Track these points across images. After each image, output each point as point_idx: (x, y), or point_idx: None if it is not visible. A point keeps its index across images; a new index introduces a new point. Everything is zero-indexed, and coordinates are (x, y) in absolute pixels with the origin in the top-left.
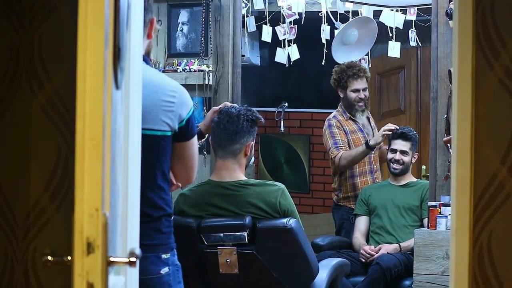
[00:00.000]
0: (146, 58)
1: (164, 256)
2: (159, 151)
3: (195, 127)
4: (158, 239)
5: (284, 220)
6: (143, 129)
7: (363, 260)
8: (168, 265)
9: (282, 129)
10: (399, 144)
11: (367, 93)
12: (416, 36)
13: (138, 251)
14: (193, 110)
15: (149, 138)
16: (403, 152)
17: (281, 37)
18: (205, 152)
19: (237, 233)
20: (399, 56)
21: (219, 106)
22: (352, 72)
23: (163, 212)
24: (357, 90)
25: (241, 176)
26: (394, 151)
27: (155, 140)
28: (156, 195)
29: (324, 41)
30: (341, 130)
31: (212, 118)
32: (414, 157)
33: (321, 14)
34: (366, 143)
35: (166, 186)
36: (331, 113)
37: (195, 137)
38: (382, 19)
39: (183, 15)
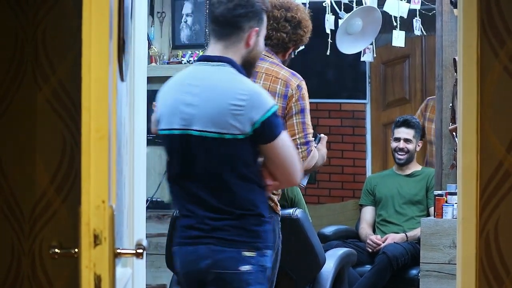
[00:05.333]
0: (237, 65)
1: (246, 253)
2: (238, 153)
3: (278, 128)
4: (240, 236)
5: (291, 211)
6: (210, 132)
7: (370, 250)
8: (251, 264)
9: None
10: (403, 132)
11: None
12: (420, 25)
13: (145, 242)
14: (273, 112)
15: (220, 141)
16: (407, 140)
17: None
18: None
19: None
20: (403, 45)
21: None
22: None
23: (248, 212)
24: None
25: None
26: (397, 139)
27: (230, 143)
28: (237, 196)
29: (328, 31)
30: None
31: None
32: (418, 145)
33: (325, 4)
34: None
35: (254, 186)
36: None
37: (281, 138)
38: (386, 8)
39: (187, 7)
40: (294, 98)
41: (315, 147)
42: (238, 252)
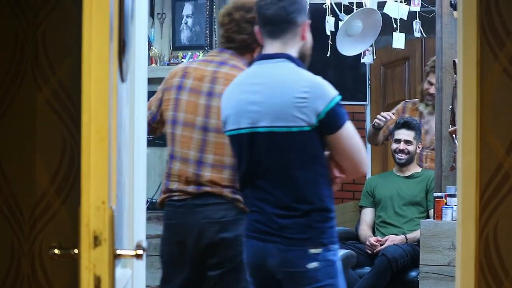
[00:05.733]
0: (295, 59)
1: (312, 251)
2: (306, 147)
3: (343, 118)
4: (306, 234)
5: None
6: (277, 126)
7: (369, 252)
8: (318, 261)
9: None
10: (403, 134)
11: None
12: (420, 27)
13: (144, 243)
14: (336, 102)
15: (289, 135)
16: (407, 142)
17: None
18: None
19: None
20: (403, 47)
21: None
22: None
23: (313, 206)
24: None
25: None
26: (398, 141)
27: (297, 137)
28: (307, 190)
29: (328, 32)
30: None
31: None
32: (418, 147)
33: (325, 5)
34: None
35: (323, 180)
36: None
37: (346, 128)
38: (386, 10)
39: (188, 8)
40: None
41: None
42: (304, 250)
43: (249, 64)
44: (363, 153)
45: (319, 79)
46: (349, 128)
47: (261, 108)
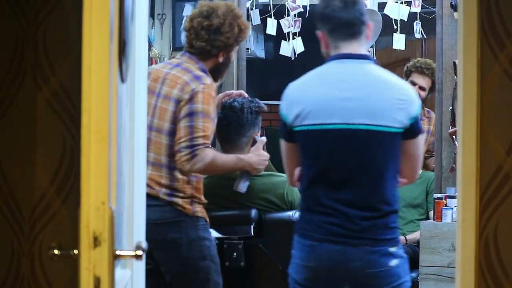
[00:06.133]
0: (371, 58)
1: (392, 249)
2: (392, 148)
3: (421, 125)
4: (386, 234)
5: (290, 213)
6: (376, 125)
7: None
8: (397, 258)
9: None
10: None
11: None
12: (421, 28)
13: (144, 244)
14: (420, 107)
15: (384, 134)
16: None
17: (285, 30)
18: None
19: (243, 226)
20: (404, 48)
21: (234, 92)
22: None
23: (392, 208)
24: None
25: None
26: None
27: (389, 137)
28: (387, 191)
29: None
30: None
31: (222, 99)
32: None
33: None
34: None
35: (396, 182)
36: None
37: (421, 136)
38: (386, 11)
39: (188, 9)
40: (184, 102)
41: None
42: (386, 249)
43: (214, 68)
44: (421, 164)
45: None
46: (422, 137)
47: (356, 105)
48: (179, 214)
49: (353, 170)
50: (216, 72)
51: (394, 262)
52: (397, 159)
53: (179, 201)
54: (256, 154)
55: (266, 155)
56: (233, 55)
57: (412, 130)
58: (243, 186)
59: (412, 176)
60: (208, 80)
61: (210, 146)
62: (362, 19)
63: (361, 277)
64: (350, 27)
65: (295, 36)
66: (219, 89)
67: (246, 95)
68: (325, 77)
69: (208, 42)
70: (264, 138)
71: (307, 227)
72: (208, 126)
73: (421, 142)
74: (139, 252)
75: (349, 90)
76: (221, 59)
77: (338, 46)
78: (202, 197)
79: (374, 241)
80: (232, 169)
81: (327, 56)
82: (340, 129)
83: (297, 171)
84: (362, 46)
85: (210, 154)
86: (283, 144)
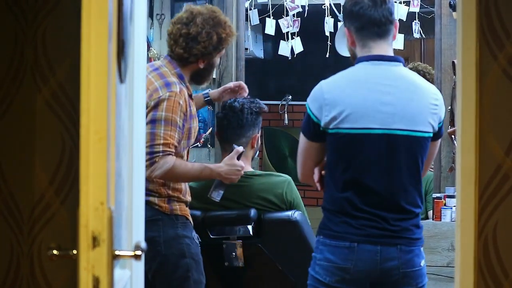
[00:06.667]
0: (401, 59)
1: (421, 249)
2: (425, 152)
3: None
4: (418, 234)
5: (289, 213)
6: (414, 130)
7: None
8: (424, 258)
9: (286, 122)
10: None
11: None
12: (419, 28)
13: (143, 244)
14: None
15: (420, 139)
16: None
17: (284, 30)
18: (209, 146)
19: (242, 226)
20: (402, 48)
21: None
22: None
23: (420, 209)
24: None
25: (248, 167)
26: None
27: (424, 142)
28: (418, 193)
29: (327, 33)
30: None
31: (225, 90)
32: None
33: (325, 6)
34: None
35: (422, 184)
36: None
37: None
38: None
39: None
40: (149, 108)
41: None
42: (419, 249)
43: (196, 73)
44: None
45: None
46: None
47: (395, 110)
48: (156, 212)
49: (389, 175)
50: (198, 76)
51: (423, 262)
52: (424, 162)
53: (155, 200)
54: (228, 164)
55: (239, 165)
56: (217, 61)
57: (439, 133)
58: (216, 195)
59: (423, 174)
60: (177, 88)
61: (172, 153)
62: (391, 19)
63: (395, 276)
64: (379, 26)
65: (293, 36)
66: None
67: (245, 86)
68: (362, 80)
69: (185, 49)
70: (241, 148)
71: (341, 230)
72: (170, 134)
73: (437, 146)
74: (138, 252)
75: (387, 94)
76: (201, 65)
77: (367, 45)
78: (183, 196)
79: (410, 240)
80: (197, 178)
81: (352, 53)
82: (379, 134)
83: (316, 171)
84: (391, 46)
85: (170, 162)
86: (304, 141)
